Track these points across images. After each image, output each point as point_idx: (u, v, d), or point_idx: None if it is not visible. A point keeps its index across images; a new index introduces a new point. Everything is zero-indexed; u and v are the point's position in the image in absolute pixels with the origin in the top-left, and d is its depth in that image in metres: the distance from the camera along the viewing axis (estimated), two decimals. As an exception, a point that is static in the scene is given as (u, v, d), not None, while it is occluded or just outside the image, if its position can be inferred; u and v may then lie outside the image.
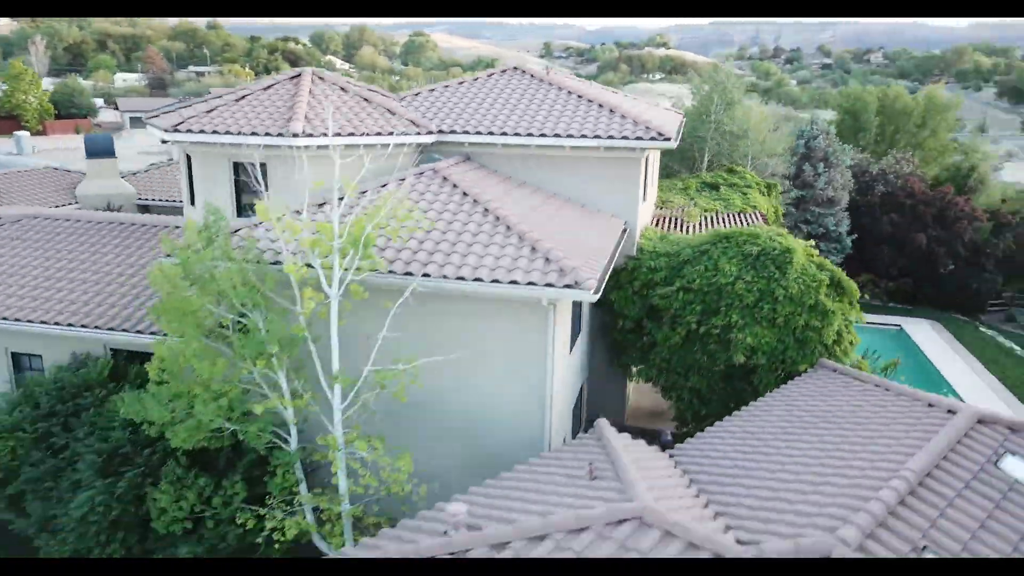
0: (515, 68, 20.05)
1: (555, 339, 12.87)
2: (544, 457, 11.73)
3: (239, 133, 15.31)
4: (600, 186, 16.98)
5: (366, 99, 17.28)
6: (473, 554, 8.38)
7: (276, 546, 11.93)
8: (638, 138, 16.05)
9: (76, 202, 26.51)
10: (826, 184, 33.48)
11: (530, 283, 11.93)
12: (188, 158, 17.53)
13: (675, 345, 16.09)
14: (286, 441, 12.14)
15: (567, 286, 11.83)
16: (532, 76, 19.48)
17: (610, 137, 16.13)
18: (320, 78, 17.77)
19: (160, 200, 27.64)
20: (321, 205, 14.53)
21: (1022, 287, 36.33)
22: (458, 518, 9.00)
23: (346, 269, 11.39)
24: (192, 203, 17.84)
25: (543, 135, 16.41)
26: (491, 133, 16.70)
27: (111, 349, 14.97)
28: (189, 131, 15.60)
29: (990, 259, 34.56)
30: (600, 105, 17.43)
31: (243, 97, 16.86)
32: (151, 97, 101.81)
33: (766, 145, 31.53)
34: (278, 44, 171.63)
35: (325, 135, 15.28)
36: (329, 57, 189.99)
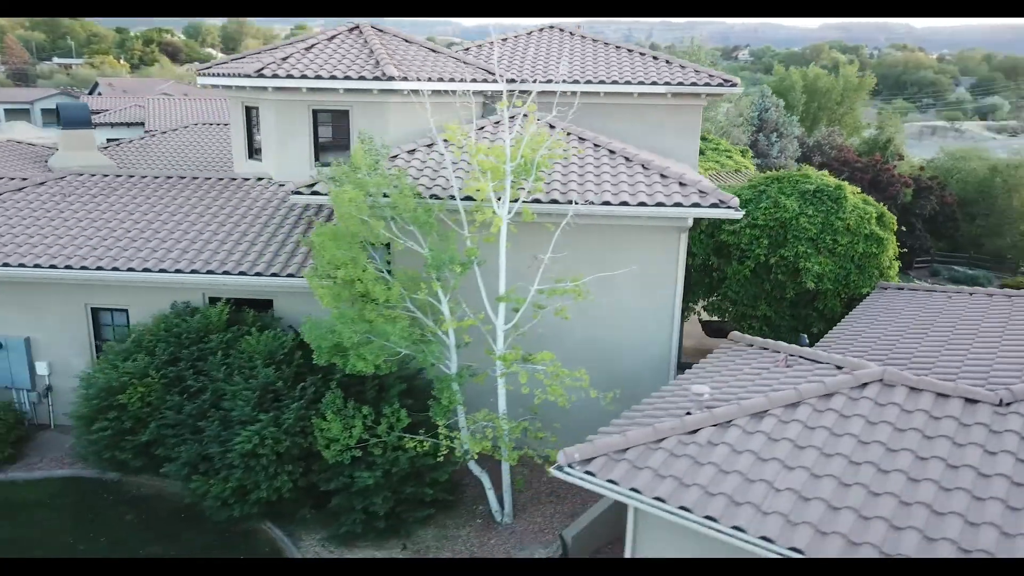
0: (551, 27, 20.67)
1: (681, 263, 13.69)
2: (703, 366, 12.47)
3: (331, 77, 15.20)
4: (664, 133, 17.90)
5: (433, 50, 17.45)
6: (737, 423, 9.07)
7: (439, 471, 12.24)
8: (705, 84, 17.09)
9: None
10: (779, 153, 35.98)
11: (676, 204, 12.69)
12: (247, 111, 17.16)
13: (744, 278, 17.24)
14: (446, 366, 12.36)
15: (713, 205, 12.67)
16: (571, 33, 20.17)
17: (680, 83, 17.08)
18: (380, 30, 17.76)
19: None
20: (412, 151, 14.68)
21: (942, 246, 40.28)
22: (703, 397, 9.68)
23: (520, 190, 11.77)
24: (251, 156, 17.46)
25: (615, 82, 17.15)
26: (564, 81, 17.26)
27: (209, 297, 14.52)
28: (276, 76, 15.33)
29: (919, 220, 38.13)
30: (655, 57, 18.37)
31: (312, 46, 16.66)
32: (15, 88, 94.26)
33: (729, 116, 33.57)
34: (153, 35, 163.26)
35: (419, 79, 15.42)
36: (207, 50, 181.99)
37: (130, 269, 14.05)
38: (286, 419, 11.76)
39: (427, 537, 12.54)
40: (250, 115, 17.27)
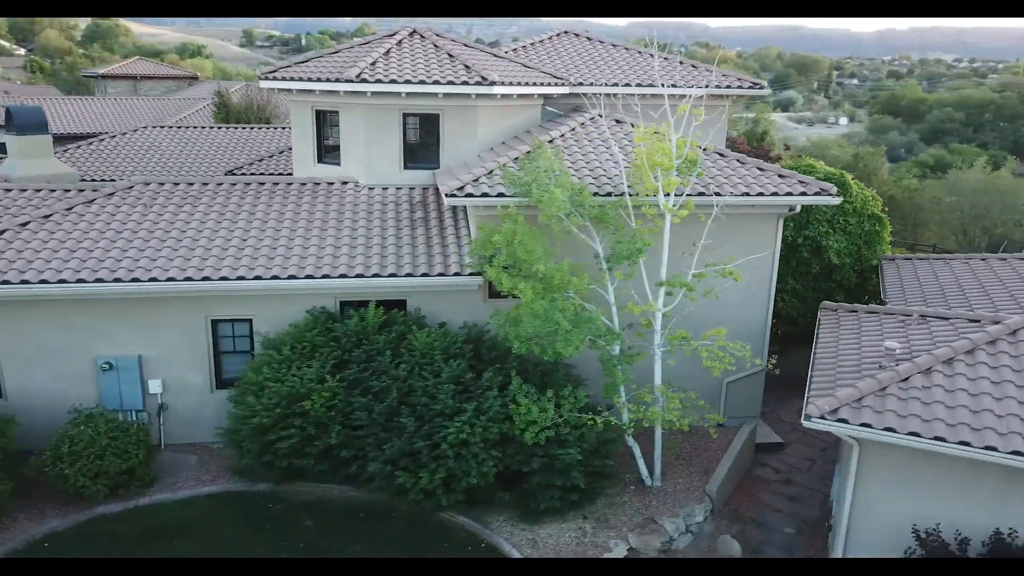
0: (566, 32, 22.00)
1: (778, 246, 15.69)
2: (832, 330, 14.36)
3: (435, 82, 15.73)
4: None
5: (494, 54, 18.28)
6: (936, 368, 11.11)
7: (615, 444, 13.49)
8: (737, 86, 19.22)
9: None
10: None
11: (788, 193, 14.64)
12: (319, 115, 17.21)
13: (774, 256, 19.62)
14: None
15: (816, 193, 14.75)
16: (588, 38, 21.65)
17: (716, 87, 19.08)
18: (438, 35, 18.32)
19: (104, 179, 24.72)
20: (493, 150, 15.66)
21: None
22: (896, 352, 11.66)
23: (680, 185, 13.20)
24: (320, 160, 17.51)
25: (661, 85, 18.83)
26: (615, 84, 18.71)
27: (340, 302, 14.65)
28: (379, 80, 15.61)
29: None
30: (681, 61, 20.29)
31: (388, 51, 17.01)
32: None
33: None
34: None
35: (513, 84, 16.31)
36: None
37: (256, 277, 13.89)
38: (490, 407, 12.47)
39: (599, 507, 13.70)
40: (319, 120, 17.26)
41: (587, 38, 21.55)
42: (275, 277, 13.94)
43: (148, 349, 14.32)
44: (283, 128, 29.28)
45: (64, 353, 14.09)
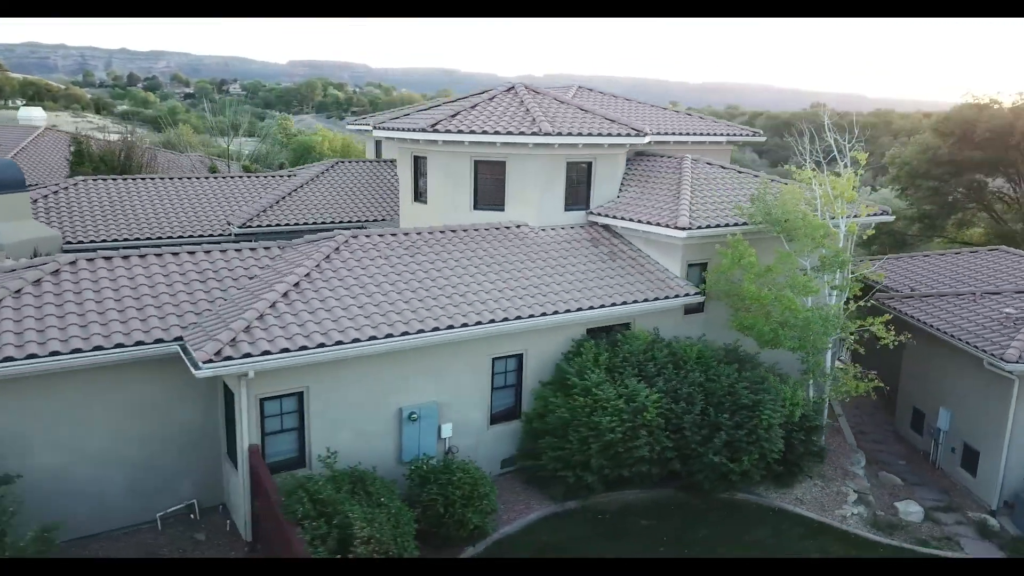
0: (588, 90, 25.12)
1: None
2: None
3: (598, 134, 18.22)
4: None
5: (582, 108, 20.91)
6: (1046, 323, 16.79)
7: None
8: (740, 135, 24.17)
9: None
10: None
11: (883, 212, 19.75)
12: (476, 165, 18.59)
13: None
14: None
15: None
16: (601, 93, 25.07)
17: (730, 135, 23.77)
18: (535, 91, 20.53)
19: (93, 241, 21.94)
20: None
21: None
22: (1014, 316, 17.10)
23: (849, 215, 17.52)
24: (476, 207, 18.87)
25: (702, 133, 23.00)
26: (673, 134, 22.40)
27: (587, 329, 16.35)
28: (559, 133, 17.63)
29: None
30: (688, 113, 24.69)
31: (528, 107, 18.97)
32: None
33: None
34: None
35: (654, 133, 19.35)
36: None
37: (543, 314, 15.16)
38: (776, 396, 15.51)
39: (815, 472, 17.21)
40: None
41: (600, 92, 24.94)
42: (555, 312, 15.34)
43: (440, 395, 14.69)
44: (227, 177, 27.69)
45: (368, 408, 13.93)
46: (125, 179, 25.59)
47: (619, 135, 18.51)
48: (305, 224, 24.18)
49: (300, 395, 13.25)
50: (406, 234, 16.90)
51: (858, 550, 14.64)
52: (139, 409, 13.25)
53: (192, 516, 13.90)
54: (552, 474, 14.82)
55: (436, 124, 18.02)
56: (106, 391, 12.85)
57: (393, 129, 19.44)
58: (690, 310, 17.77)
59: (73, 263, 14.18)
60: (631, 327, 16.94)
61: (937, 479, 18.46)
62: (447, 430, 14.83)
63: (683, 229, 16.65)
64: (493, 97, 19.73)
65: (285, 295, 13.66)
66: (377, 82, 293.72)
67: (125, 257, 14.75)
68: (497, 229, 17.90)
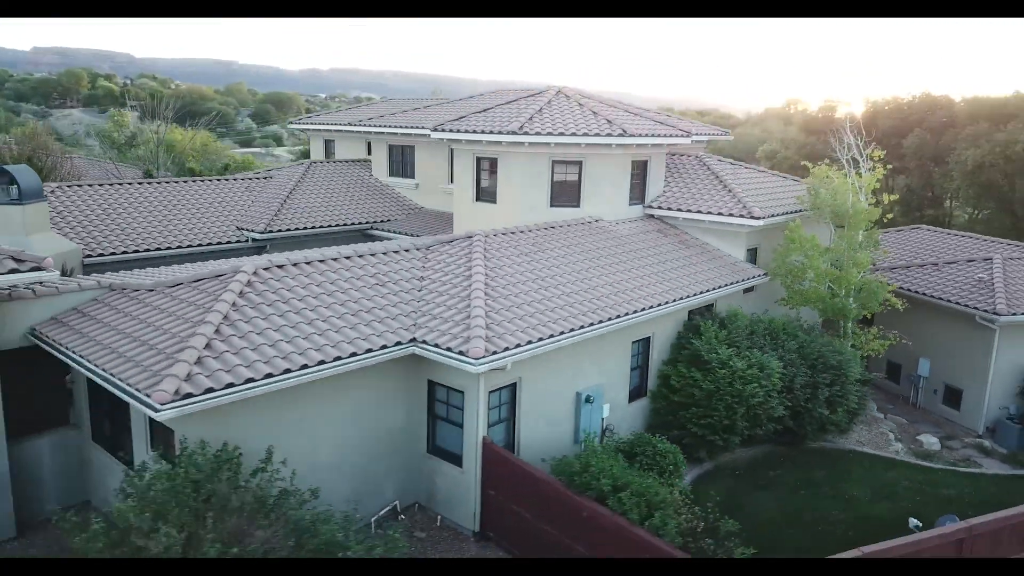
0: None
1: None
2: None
3: (655, 135, 20.19)
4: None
5: (629, 111, 22.71)
6: None
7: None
8: (708, 134, 27.11)
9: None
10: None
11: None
12: (554, 166, 19.90)
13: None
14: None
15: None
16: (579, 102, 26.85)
17: (713, 134, 26.62)
18: (584, 94, 22.07)
19: (114, 253, 20.31)
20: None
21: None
22: (985, 279, 21.39)
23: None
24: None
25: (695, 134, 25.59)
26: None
27: (688, 311, 18.25)
28: (632, 135, 19.38)
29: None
30: (678, 117, 27.25)
31: (596, 112, 20.53)
32: None
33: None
34: None
35: (693, 134, 21.61)
36: None
37: (667, 303, 16.89)
38: (853, 355, 18.46)
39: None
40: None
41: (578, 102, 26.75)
42: (679, 299, 17.10)
43: (600, 378, 15.94)
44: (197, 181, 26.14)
45: (557, 395, 14.90)
46: (101, 184, 23.44)
47: (675, 136, 20.56)
48: (323, 227, 23.76)
49: (513, 387, 13.97)
50: (520, 232, 17.79)
51: (924, 475, 17.93)
52: (358, 416, 13.26)
53: (400, 517, 14.07)
54: (695, 439, 16.61)
55: (521, 126, 18.94)
56: (334, 400, 12.77)
57: (463, 131, 19.98)
58: (746, 289, 20.29)
59: (255, 272, 13.68)
60: (713, 307, 19.13)
61: (924, 416, 22.58)
62: (606, 410, 16.11)
63: (758, 218, 19.10)
64: (548, 100, 20.86)
65: (487, 294, 14.23)
66: (151, 73, 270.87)
67: (307, 263, 14.45)
68: (586, 224, 19.25)
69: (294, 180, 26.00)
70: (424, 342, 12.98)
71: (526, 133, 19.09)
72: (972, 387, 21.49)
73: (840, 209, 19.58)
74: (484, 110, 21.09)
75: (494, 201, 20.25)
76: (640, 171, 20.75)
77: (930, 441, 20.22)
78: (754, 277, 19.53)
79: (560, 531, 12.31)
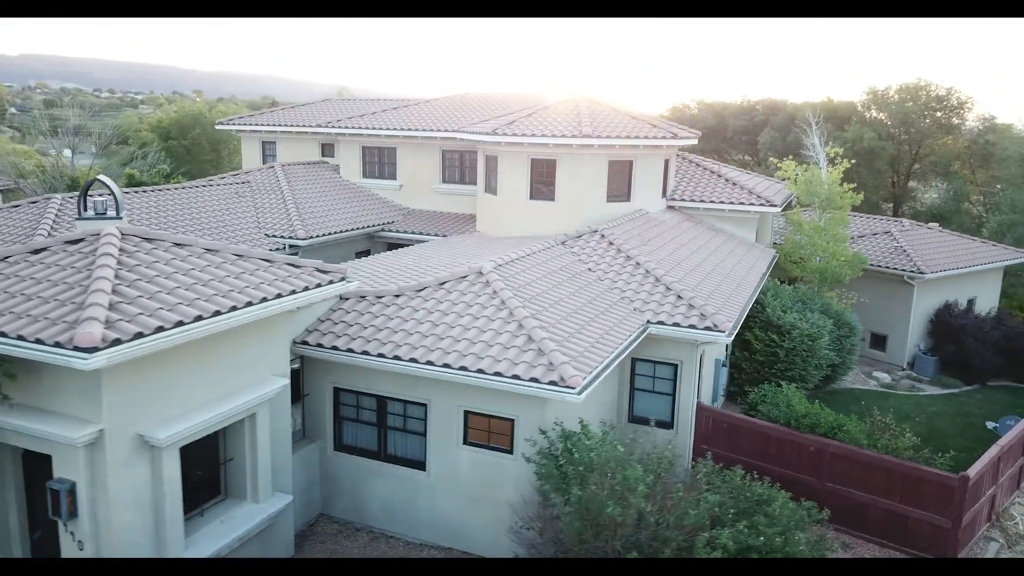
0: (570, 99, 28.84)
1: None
2: None
3: (680, 136, 23.44)
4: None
5: (631, 115, 25.40)
6: None
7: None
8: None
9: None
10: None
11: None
12: (610, 165, 22.34)
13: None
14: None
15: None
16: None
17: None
18: (595, 100, 24.49)
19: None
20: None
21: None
22: (906, 248, 27.35)
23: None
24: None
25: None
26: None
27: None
28: (678, 136, 22.41)
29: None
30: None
31: (618, 115, 23.19)
32: None
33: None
34: None
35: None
36: None
37: (760, 276, 20.35)
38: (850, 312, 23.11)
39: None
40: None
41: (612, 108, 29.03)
42: (761, 275, 20.46)
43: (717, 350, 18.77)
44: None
45: (707, 364, 17.50)
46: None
47: (688, 137, 23.78)
48: (347, 231, 23.71)
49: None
50: (629, 222, 20.08)
51: (907, 400, 23.13)
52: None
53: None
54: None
55: (581, 130, 20.82)
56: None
57: (519, 135, 21.44)
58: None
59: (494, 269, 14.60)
60: (750, 281, 22.76)
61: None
62: (724, 374, 19.01)
63: (776, 206, 23.03)
64: (583, 105, 23.04)
65: (669, 274, 16.47)
66: None
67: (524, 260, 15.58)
68: (644, 216, 21.86)
69: (284, 183, 25.37)
70: (660, 322, 14.96)
71: (587, 136, 21.16)
72: (896, 332, 27.43)
73: (831, 195, 24.18)
74: (530, 114, 22.71)
75: (552, 199, 21.87)
76: (665, 168, 23.72)
77: (883, 376, 25.69)
78: (775, 258, 23.50)
79: (783, 467, 15.02)
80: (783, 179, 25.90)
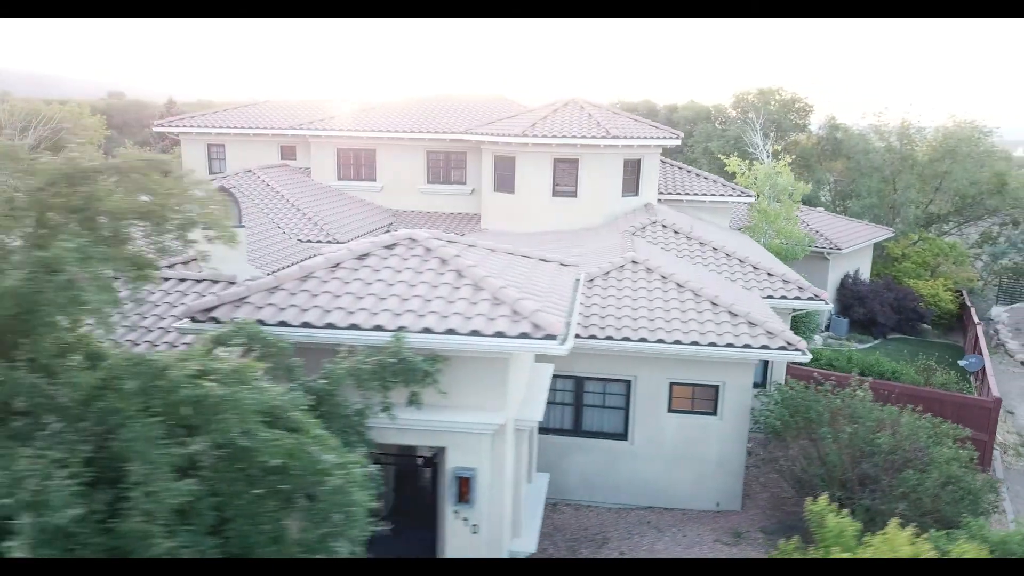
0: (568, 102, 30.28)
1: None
2: None
3: (674, 138, 26.36)
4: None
5: (631, 117, 27.69)
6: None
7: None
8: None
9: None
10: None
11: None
12: (625, 164, 24.75)
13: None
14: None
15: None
16: (586, 107, 30.84)
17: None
18: (595, 104, 26.63)
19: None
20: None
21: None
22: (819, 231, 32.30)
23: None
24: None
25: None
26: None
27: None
28: (676, 138, 25.25)
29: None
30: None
31: (621, 118, 25.65)
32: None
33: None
34: None
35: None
36: None
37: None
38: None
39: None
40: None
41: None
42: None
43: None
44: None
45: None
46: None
47: (679, 137, 26.65)
48: (372, 231, 23.84)
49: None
50: (667, 215, 22.37)
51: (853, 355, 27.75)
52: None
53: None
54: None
55: (604, 132, 23.03)
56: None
57: (547, 136, 23.07)
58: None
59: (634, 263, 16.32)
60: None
61: (782, 326, 32.92)
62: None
63: (752, 197, 26.56)
64: (589, 108, 25.07)
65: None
66: None
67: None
68: (652, 208, 24.37)
69: (279, 187, 24.87)
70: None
71: (604, 137, 23.33)
72: (815, 299, 32.31)
73: (785, 185, 28.17)
74: (544, 117, 24.32)
75: (574, 196, 23.71)
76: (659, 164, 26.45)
77: (816, 339, 30.39)
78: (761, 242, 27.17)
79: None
80: (732, 173, 29.63)
